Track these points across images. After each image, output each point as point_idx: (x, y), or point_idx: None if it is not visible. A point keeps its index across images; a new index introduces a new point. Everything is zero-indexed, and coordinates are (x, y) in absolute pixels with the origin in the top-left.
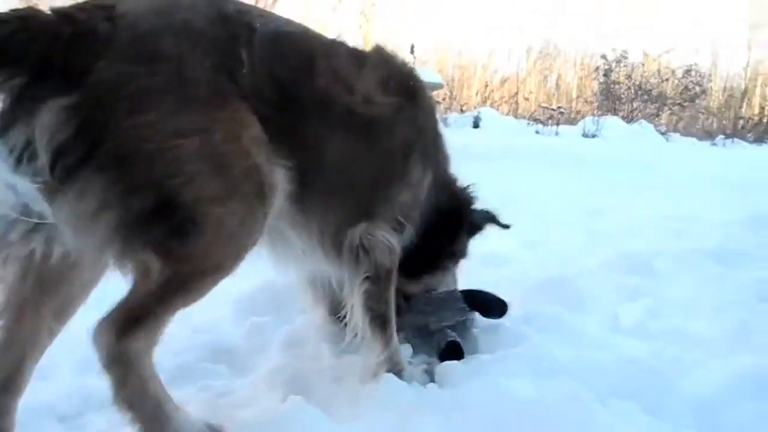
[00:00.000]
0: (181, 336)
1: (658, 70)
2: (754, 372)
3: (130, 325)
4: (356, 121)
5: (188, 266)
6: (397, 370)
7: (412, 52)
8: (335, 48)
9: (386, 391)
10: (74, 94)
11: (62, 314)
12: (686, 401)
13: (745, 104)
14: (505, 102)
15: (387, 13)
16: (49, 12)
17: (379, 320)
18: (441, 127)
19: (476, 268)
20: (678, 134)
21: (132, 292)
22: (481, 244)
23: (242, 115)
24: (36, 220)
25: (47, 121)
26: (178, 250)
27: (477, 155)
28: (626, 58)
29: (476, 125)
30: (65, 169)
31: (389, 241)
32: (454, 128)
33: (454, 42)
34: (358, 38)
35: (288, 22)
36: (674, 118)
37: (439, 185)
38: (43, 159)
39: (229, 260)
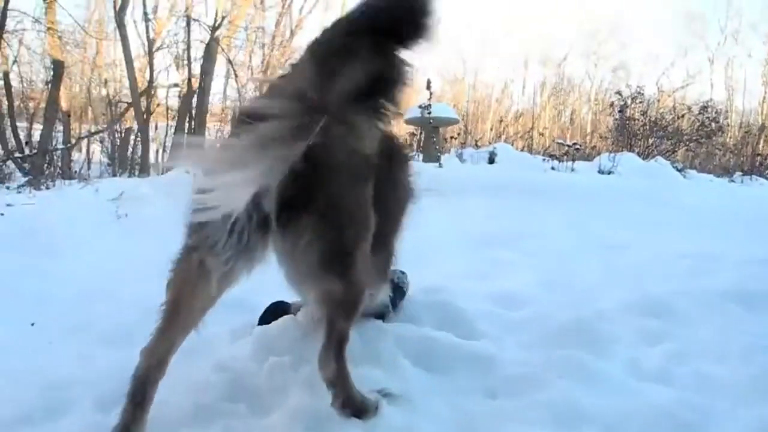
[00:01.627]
0: (200, 374)
1: (674, 106)
2: None
3: (341, 351)
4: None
5: (356, 287)
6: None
7: (428, 87)
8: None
9: None
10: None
11: (203, 313)
12: None
13: (762, 140)
14: (520, 137)
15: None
16: None
17: None
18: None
19: (492, 309)
20: (695, 171)
21: (330, 325)
22: (497, 284)
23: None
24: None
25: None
26: (351, 275)
27: (494, 191)
28: (642, 94)
29: (492, 161)
30: (291, 214)
31: None
32: (470, 163)
33: (468, 76)
34: None
35: None
36: (690, 154)
37: None
38: (270, 204)
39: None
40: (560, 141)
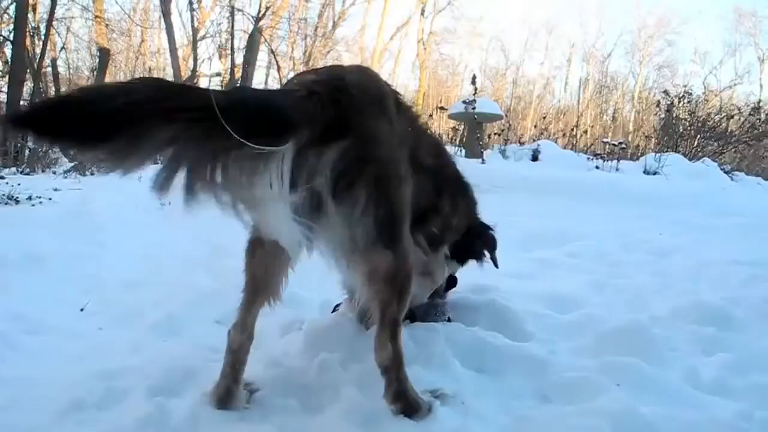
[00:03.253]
0: (254, 369)
1: (720, 107)
2: None
3: (395, 335)
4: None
5: (405, 262)
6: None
7: (473, 82)
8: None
9: None
10: (348, 139)
11: (278, 287)
12: None
13: None
14: (563, 134)
15: (442, 41)
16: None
17: None
18: None
19: (542, 310)
20: (743, 173)
21: (382, 308)
22: (544, 284)
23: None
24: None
25: (332, 156)
26: (399, 248)
27: (537, 188)
28: (690, 93)
29: (535, 158)
30: (344, 186)
31: None
32: (513, 160)
33: (510, 71)
34: (416, 64)
35: None
36: (737, 156)
37: None
38: (322, 181)
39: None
40: (605, 140)
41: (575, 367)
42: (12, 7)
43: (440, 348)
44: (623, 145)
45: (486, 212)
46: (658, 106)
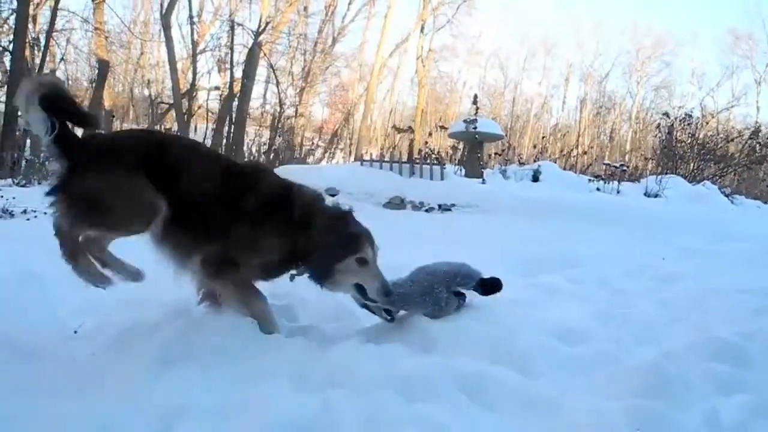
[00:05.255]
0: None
1: (717, 129)
2: None
3: None
4: None
5: None
6: None
7: (474, 102)
8: None
9: None
10: None
11: None
12: None
13: None
14: (562, 154)
15: (441, 58)
16: None
17: None
18: None
19: (548, 342)
20: (742, 197)
21: None
22: (549, 314)
23: None
24: None
25: None
26: None
27: (538, 210)
28: (690, 116)
29: (536, 179)
30: None
31: None
32: (514, 181)
33: (508, 90)
34: (415, 81)
35: None
36: (737, 179)
37: None
38: None
39: None
40: (606, 162)
41: (589, 409)
42: (12, 18)
43: (446, 382)
44: (624, 167)
45: (487, 236)
46: (658, 128)
